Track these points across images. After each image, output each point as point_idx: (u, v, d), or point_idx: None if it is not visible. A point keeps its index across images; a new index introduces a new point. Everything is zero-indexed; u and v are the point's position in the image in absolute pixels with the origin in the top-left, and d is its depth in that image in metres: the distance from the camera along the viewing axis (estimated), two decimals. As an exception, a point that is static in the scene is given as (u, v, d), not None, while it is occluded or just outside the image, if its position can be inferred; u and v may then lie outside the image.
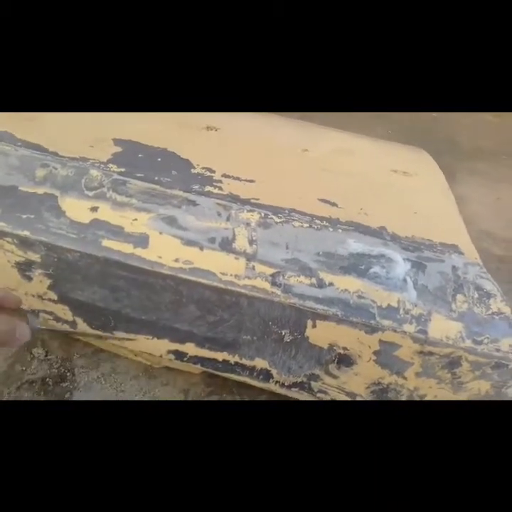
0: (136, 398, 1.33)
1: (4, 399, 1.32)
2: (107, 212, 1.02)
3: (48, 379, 1.36)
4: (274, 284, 0.98)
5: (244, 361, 1.08)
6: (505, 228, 2.28)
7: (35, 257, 1.03)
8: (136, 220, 1.02)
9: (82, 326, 1.14)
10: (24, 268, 1.05)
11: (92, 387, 1.34)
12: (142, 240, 1.01)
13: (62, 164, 1.08)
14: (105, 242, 1.00)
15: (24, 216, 1.02)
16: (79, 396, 1.33)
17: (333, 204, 1.10)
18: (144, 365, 1.35)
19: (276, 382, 1.10)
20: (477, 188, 2.47)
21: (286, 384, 1.09)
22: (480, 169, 2.73)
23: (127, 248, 1.00)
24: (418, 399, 1.02)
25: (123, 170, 1.07)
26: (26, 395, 1.32)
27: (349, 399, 1.06)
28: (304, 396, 1.10)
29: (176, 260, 0.99)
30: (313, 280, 0.98)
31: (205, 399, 1.35)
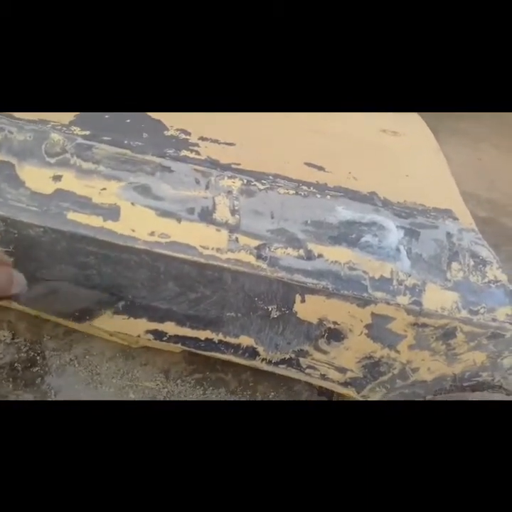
0: (114, 381, 1.26)
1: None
2: (71, 181, 0.92)
3: (16, 364, 1.27)
4: (259, 257, 0.91)
5: (228, 339, 1.02)
6: (487, 189, 2.26)
7: (-8, 233, 0.92)
8: (104, 189, 0.92)
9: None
10: (-20, 246, 0.94)
11: (65, 370, 1.26)
12: (112, 212, 0.91)
13: (19, 128, 0.96)
14: (71, 215, 0.91)
15: (-23, 188, 0.91)
16: (51, 381, 1.24)
17: (320, 168, 1.02)
18: (120, 346, 1.27)
19: (263, 359, 1.04)
20: (459, 148, 2.42)
21: (273, 361, 1.04)
22: (461, 129, 2.67)
23: (96, 221, 0.91)
24: (411, 372, 0.98)
25: (88, 133, 0.96)
26: (-7, 382, 1.23)
27: (339, 374, 1.02)
28: (292, 372, 1.05)
29: (152, 233, 0.91)
30: (302, 252, 0.91)
31: (188, 378, 1.29)
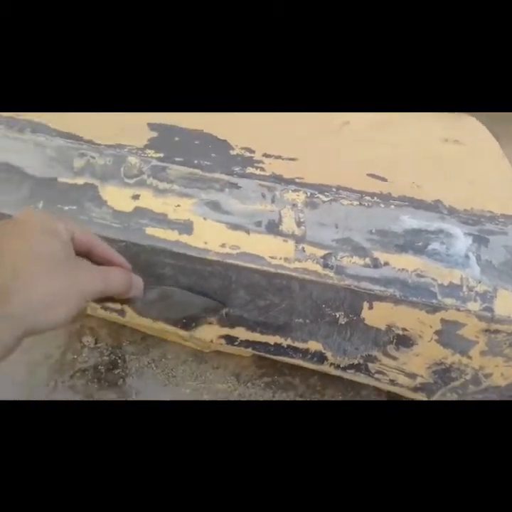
0: (188, 383, 1.33)
1: (59, 387, 1.35)
2: (149, 200, 1.00)
3: (99, 366, 1.38)
4: (326, 265, 0.94)
5: (297, 344, 1.06)
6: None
7: (80, 249, 1.02)
8: (179, 206, 0.99)
9: (130, 313, 1.14)
10: (70, 261, 1.04)
11: (143, 372, 1.36)
12: (187, 227, 0.98)
13: (100, 153, 1.05)
14: (149, 230, 0.98)
15: (66, 208, 1.01)
16: (131, 382, 1.34)
17: (383, 179, 1.03)
18: (193, 350, 1.35)
19: (331, 364, 1.07)
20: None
21: (341, 366, 1.07)
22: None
23: (172, 235, 0.98)
24: (484, 378, 0.97)
25: (161, 155, 1.04)
26: (80, 383, 1.34)
27: (409, 379, 1.03)
28: (360, 377, 1.07)
29: (223, 245, 0.96)
30: (368, 260, 0.93)
31: (258, 381, 1.34)
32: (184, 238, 0.98)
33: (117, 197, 1.02)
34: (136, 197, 1.01)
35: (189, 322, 1.10)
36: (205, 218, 0.98)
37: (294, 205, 0.97)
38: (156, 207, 1.00)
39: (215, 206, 0.98)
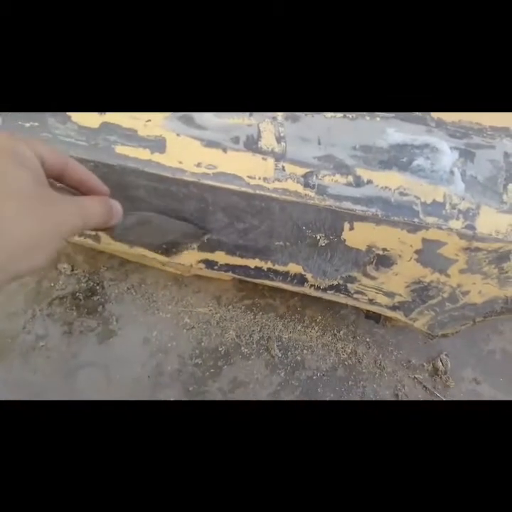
0: (169, 307, 1.33)
1: (36, 315, 1.34)
2: (116, 114, 0.92)
3: (77, 293, 1.36)
4: (306, 185, 0.90)
5: (277, 267, 1.05)
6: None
7: (45, 170, 0.95)
8: (149, 121, 0.91)
9: (106, 239, 1.10)
10: (36, 183, 0.98)
11: (123, 299, 1.35)
12: (159, 144, 0.91)
13: None
14: (119, 149, 0.92)
15: (27, 125, 0.93)
16: (111, 308, 1.33)
17: (370, 88, 0.96)
18: (173, 275, 1.33)
19: (311, 285, 1.07)
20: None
21: (321, 287, 1.07)
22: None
23: (144, 154, 0.91)
24: (461, 295, 0.98)
25: None
26: (58, 311, 1.33)
27: (388, 298, 1.04)
28: (340, 298, 1.08)
29: (198, 165, 0.91)
30: (350, 178, 0.89)
31: (238, 304, 1.34)
32: (157, 157, 0.92)
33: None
34: (102, 111, 0.93)
35: (169, 248, 1.07)
36: (178, 134, 0.91)
37: (274, 118, 0.91)
38: (125, 122, 0.92)
39: (188, 120, 0.91)
